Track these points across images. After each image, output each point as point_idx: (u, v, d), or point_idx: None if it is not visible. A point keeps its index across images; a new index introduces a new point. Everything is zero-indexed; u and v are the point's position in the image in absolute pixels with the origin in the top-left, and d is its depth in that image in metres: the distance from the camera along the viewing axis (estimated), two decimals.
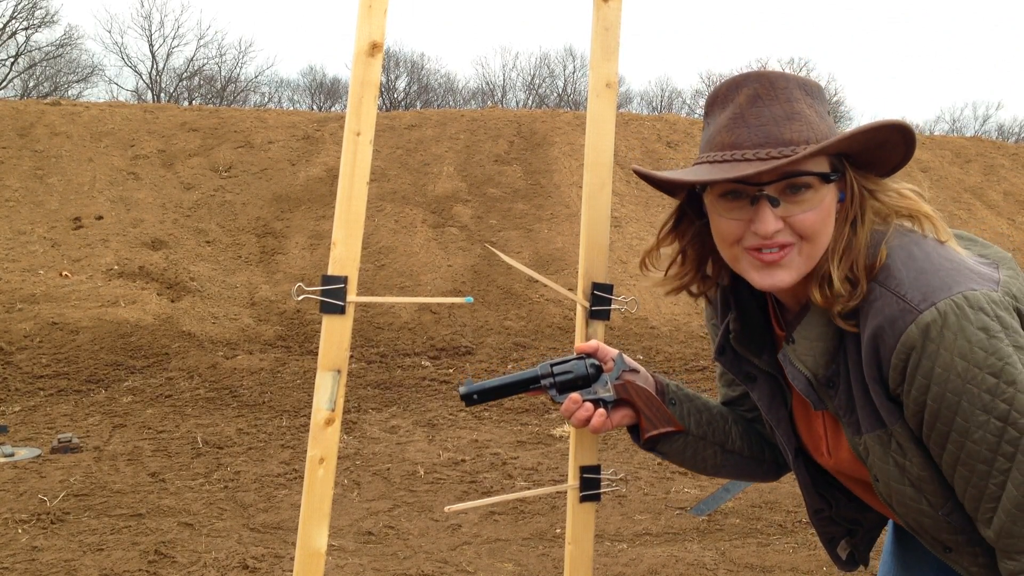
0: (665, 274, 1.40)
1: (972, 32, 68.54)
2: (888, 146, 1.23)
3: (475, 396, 1.46)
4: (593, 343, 1.48)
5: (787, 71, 1.29)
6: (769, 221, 1.19)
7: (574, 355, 1.47)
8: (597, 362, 1.46)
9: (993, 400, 1.11)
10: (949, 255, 1.19)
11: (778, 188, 1.19)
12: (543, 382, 1.45)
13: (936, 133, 25.94)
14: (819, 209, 1.20)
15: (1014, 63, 64.87)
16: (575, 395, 1.42)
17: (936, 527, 1.25)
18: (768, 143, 1.19)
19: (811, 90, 1.24)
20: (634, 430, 1.48)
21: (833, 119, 1.26)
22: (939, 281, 1.15)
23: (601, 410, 1.42)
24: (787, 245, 1.21)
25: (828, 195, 1.21)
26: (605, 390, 1.44)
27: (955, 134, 28.05)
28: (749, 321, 1.38)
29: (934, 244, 1.21)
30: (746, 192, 1.20)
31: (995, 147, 16.18)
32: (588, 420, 1.41)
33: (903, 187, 1.27)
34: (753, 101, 1.21)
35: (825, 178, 1.20)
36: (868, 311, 1.18)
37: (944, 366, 1.12)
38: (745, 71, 1.26)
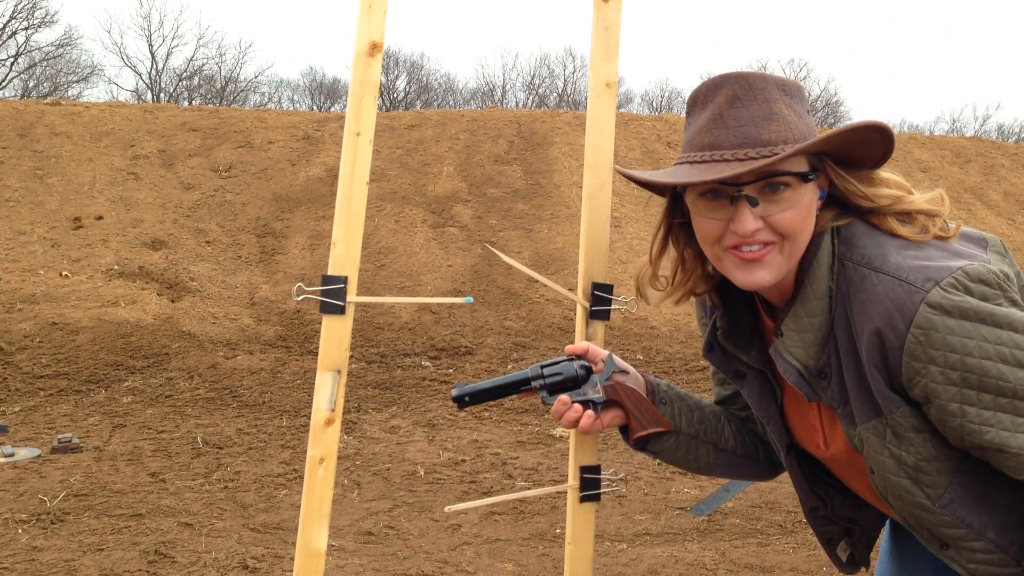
0: (672, 283, 1.40)
1: (972, 32, 68.59)
2: (867, 144, 1.25)
3: (467, 398, 1.47)
4: (583, 344, 1.49)
5: (766, 71, 1.30)
6: (748, 220, 1.21)
7: (564, 357, 1.48)
8: (587, 363, 1.47)
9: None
10: (937, 243, 1.22)
11: (757, 188, 1.21)
12: (533, 384, 1.46)
13: (936, 133, 25.94)
14: (798, 208, 1.22)
15: (1014, 63, 64.90)
16: (564, 396, 1.43)
17: (933, 521, 1.25)
18: (746, 143, 1.21)
19: (790, 90, 1.26)
20: (625, 430, 1.49)
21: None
22: (936, 262, 1.16)
23: (590, 411, 1.43)
24: (769, 243, 1.23)
25: (807, 194, 1.23)
26: (594, 391, 1.45)
27: (955, 134, 28.03)
28: (736, 318, 1.39)
29: (920, 235, 1.23)
30: (725, 192, 1.22)
31: (995, 147, 16.18)
32: (577, 421, 1.43)
33: (891, 178, 1.29)
34: (732, 102, 1.23)
35: (803, 177, 1.22)
36: (866, 299, 1.18)
37: (967, 334, 1.12)
38: (725, 72, 1.27)
